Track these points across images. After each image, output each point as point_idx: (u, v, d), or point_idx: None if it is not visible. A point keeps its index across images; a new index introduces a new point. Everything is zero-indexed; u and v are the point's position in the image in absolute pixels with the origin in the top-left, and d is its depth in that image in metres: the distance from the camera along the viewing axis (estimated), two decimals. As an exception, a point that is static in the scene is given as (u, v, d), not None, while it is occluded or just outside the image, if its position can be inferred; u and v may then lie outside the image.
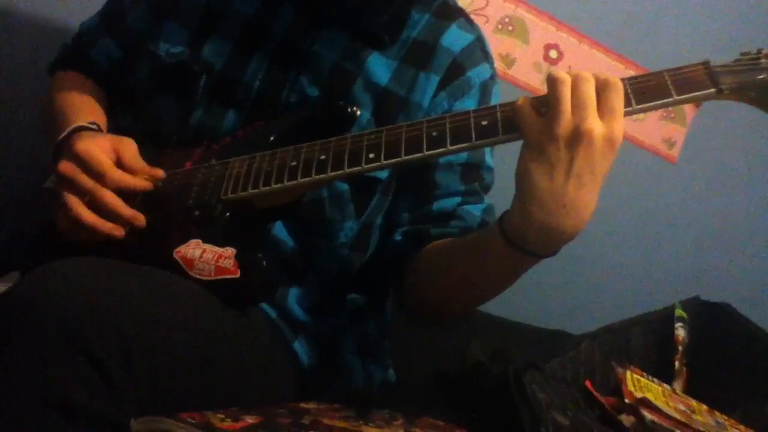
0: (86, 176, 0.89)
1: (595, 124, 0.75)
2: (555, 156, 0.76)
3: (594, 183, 0.77)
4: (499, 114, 0.82)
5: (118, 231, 0.89)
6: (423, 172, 1.02)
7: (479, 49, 1.06)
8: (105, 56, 1.14)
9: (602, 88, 0.76)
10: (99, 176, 0.89)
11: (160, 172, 0.94)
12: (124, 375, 0.70)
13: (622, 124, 0.76)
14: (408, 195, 1.04)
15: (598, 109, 0.75)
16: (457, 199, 1.02)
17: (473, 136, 0.82)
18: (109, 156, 0.91)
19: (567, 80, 0.76)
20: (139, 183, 0.92)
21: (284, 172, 0.88)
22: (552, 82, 0.77)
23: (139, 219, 0.90)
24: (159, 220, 0.93)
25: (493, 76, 1.07)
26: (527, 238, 0.80)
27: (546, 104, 0.77)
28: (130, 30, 1.10)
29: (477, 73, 1.04)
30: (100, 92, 1.14)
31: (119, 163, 0.92)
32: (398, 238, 1.02)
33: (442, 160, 1.01)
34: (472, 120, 0.82)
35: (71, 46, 1.18)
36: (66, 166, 0.90)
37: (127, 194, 0.91)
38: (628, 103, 0.78)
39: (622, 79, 0.79)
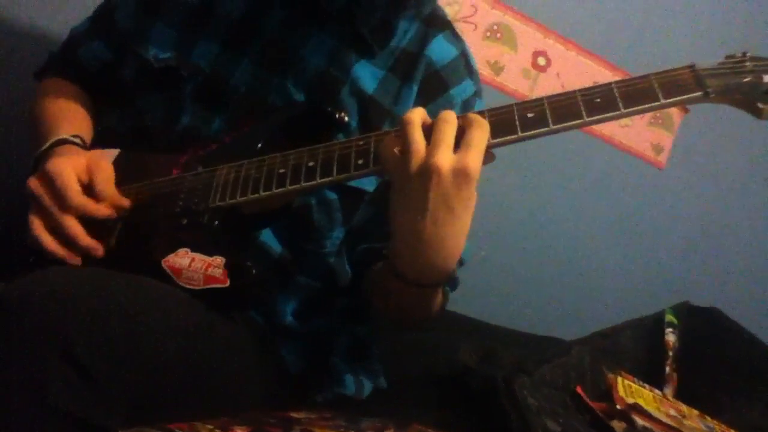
0: (50, 198, 0.88)
1: (443, 159, 0.76)
2: (411, 193, 0.78)
3: (452, 217, 0.78)
4: (487, 116, 0.81)
5: (74, 259, 0.88)
6: None
7: (463, 64, 1.06)
8: (94, 58, 1.12)
9: (464, 126, 0.78)
10: (62, 201, 0.88)
11: (126, 202, 0.93)
12: (110, 380, 0.70)
13: (477, 158, 0.77)
14: (380, 211, 1.04)
15: (456, 145, 0.77)
16: None
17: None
18: (81, 177, 0.90)
19: (415, 121, 0.78)
20: (102, 211, 0.90)
21: (272, 180, 0.88)
22: (403, 124, 0.79)
23: (97, 250, 0.89)
24: (146, 229, 0.92)
25: (476, 92, 1.07)
26: (404, 272, 0.84)
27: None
28: (117, 28, 1.09)
29: (460, 91, 1.04)
30: (87, 100, 1.12)
31: (89, 186, 0.91)
32: (356, 254, 1.03)
33: None
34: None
35: (60, 52, 1.17)
36: (34, 184, 0.89)
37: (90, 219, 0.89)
38: (615, 107, 0.78)
39: (610, 83, 0.79)
